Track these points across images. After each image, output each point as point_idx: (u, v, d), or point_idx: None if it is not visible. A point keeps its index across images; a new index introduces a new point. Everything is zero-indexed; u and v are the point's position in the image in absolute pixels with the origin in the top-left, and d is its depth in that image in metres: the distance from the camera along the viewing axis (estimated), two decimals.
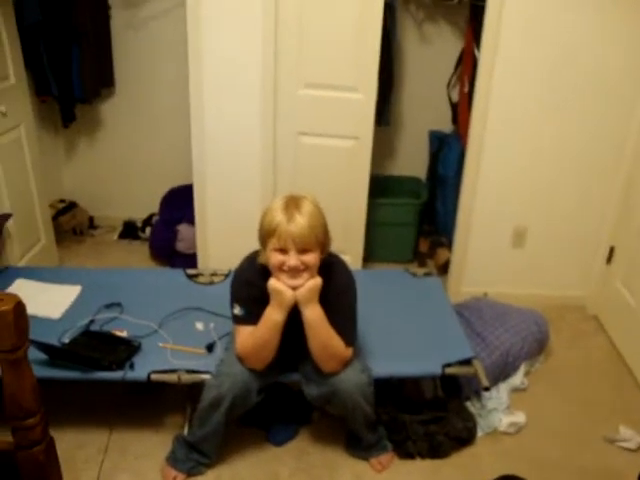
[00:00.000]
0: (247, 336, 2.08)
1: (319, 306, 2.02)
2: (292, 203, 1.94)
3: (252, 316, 2.08)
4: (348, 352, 2.12)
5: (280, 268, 1.96)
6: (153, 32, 3.83)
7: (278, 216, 1.91)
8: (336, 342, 2.07)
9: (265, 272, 2.05)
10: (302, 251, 1.93)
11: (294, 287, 1.98)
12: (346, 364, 2.14)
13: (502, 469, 2.29)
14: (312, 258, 1.95)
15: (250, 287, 2.10)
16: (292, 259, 1.92)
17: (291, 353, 2.23)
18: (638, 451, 2.47)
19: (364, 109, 3.10)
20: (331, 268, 2.11)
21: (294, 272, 1.95)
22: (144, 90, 3.98)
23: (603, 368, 3.05)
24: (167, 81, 3.91)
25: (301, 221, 1.89)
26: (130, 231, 4.15)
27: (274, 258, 1.95)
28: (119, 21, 3.80)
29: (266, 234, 1.95)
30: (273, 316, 2.03)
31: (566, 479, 2.26)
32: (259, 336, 2.06)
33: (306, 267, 1.95)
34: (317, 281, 2.00)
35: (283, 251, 1.93)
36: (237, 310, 2.10)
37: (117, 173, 4.19)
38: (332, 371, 2.13)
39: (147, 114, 4.03)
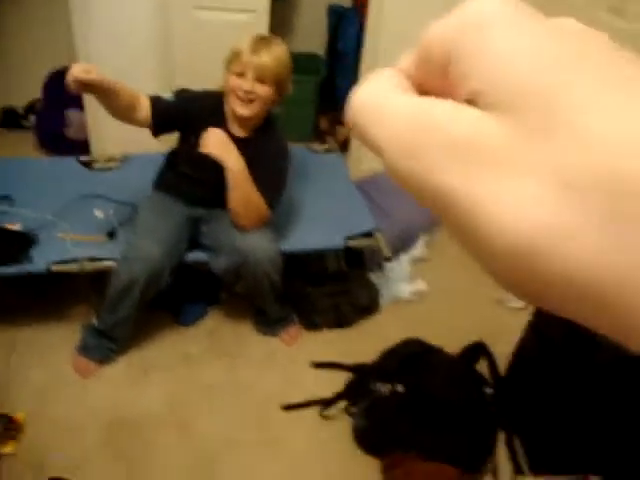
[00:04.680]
0: (143, 99, 2.05)
1: (240, 159, 2.09)
2: (263, 40, 2.05)
3: (164, 108, 2.08)
4: (267, 212, 2.17)
5: (235, 92, 2.05)
6: None
7: (245, 44, 2.02)
8: (256, 196, 2.12)
9: (214, 110, 2.15)
10: (258, 80, 2.03)
11: (241, 118, 2.10)
12: (261, 224, 2.19)
13: (405, 334, 2.44)
14: (265, 91, 2.05)
15: (193, 102, 2.16)
16: (247, 83, 2.03)
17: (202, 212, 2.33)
18: (525, 309, 2.69)
19: None
20: (273, 131, 2.22)
21: (246, 99, 2.05)
22: None
23: None
24: None
25: (266, 55, 2.01)
26: (11, 119, 3.83)
27: (232, 81, 2.05)
28: None
29: (230, 57, 2.06)
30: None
31: (464, 339, 2.43)
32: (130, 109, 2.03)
33: (257, 97, 2.05)
34: (220, 133, 2.07)
35: (241, 76, 2.03)
36: (166, 95, 2.12)
37: None
38: (248, 225, 2.17)
39: None
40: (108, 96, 1.87)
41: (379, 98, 0.23)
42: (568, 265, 0.17)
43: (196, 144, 2.09)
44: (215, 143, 2.06)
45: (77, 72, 1.71)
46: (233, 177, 2.08)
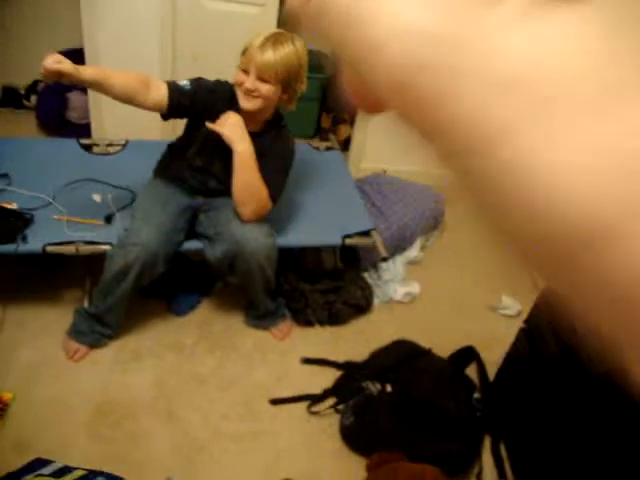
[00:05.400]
0: (157, 83, 2.04)
1: (250, 145, 2.10)
2: (273, 38, 2.01)
3: (182, 94, 2.07)
4: (268, 203, 2.18)
5: (239, 86, 2.06)
6: None
7: (256, 41, 2.00)
8: (260, 184, 2.14)
9: (227, 101, 2.13)
10: (261, 79, 2.02)
11: (244, 110, 2.08)
12: (261, 216, 2.20)
13: (396, 334, 2.46)
14: (267, 89, 2.04)
15: (209, 92, 2.14)
16: (249, 82, 2.02)
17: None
18: (517, 317, 2.70)
19: None
20: (281, 131, 2.24)
21: (248, 95, 2.05)
22: None
23: (493, 243, 3.23)
24: None
25: (269, 53, 1.98)
26: (12, 99, 3.81)
27: (238, 75, 2.05)
28: None
29: (241, 52, 2.05)
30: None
31: (454, 343, 2.44)
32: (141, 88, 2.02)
33: (260, 95, 2.04)
34: (238, 117, 2.09)
35: (246, 72, 2.03)
36: (183, 82, 2.10)
37: None
38: (249, 216, 2.17)
39: None
40: (93, 85, 1.90)
41: None
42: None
43: (208, 134, 2.09)
44: (229, 125, 2.07)
45: (47, 63, 1.72)
46: (240, 160, 2.09)
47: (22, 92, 3.80)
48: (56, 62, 1.73)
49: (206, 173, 2.27)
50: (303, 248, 2.61)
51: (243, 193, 2.15)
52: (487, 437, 2.22)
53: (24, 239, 2.18)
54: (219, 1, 2.98)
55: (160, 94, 2.02)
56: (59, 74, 1.75)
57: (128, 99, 1.98)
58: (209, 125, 2.07)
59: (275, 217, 2.40)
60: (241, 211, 2.17)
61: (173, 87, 2.05)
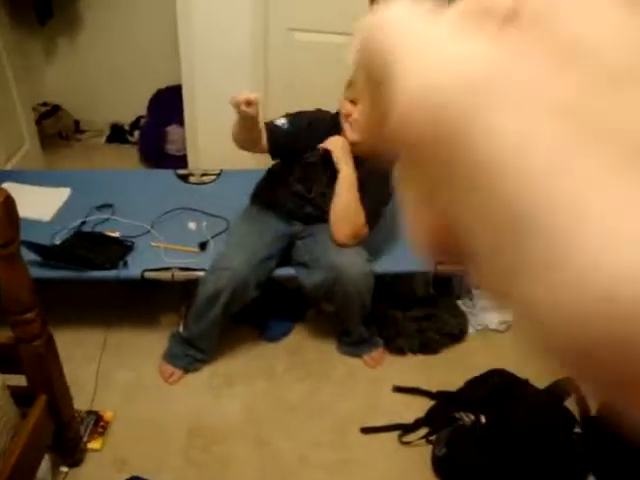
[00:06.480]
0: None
1: (353, 169, 2.14)
2: None
3: (280, 134, 2.14)
4: (364, 229, 2.19)
5: (346, 117, 2.10)
6: None
7: None
8: (358, 208, 2.15)
9: (329, 131, 2.17)
10: None
11: (349, 141, 2.13)
12: (357, 240, 2.20)
13: (492, 364, 2.36)
14: None
15: (308, 126, 2.19)
16: (357, 112, 2.05)
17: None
18: None
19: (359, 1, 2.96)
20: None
21: (356, 126, 2.08)
22: None
23: None
24: None
25: None
26: (118, 135, 4.05)
27: (345, 106, 2.09)
28: None
29: (347, 83, 2.09)
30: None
31: (552, 373, 2.31)
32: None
33: None
34: (344, 140, 2.13)
35: (353, 103, 2.05)
36: (280, 121, 2.17)
37: (101, 74, 4.02)
38: (342, 239, 2.18)
39: (131, 9, 3.82)
40: (250, 126, 2.00)
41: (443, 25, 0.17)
42: None
43: (310, 161, 2.16)
44: (337, 145, 2.12)
45: (242, 107, 1.86)
46: (342, 182, 2.12)
47: (126, 128, 4.03)
48: (247, 103, 1.86)
49: (304, 199, 2.30)
50: (395, 275, 2.57)
51: (342, 214, 2.16)
52: (591, 477, 2.08)
53: (125, 265, 2.28)
54: (310, 33, 3.04)
55: (263, 138, 2.09)
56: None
57: (254, 144, 2.10)
58: (321, 145, 2.14)
59: (369, 243, 2.39)
60: (336, 232, 2.18)
61: (270, 129, 2.11)
